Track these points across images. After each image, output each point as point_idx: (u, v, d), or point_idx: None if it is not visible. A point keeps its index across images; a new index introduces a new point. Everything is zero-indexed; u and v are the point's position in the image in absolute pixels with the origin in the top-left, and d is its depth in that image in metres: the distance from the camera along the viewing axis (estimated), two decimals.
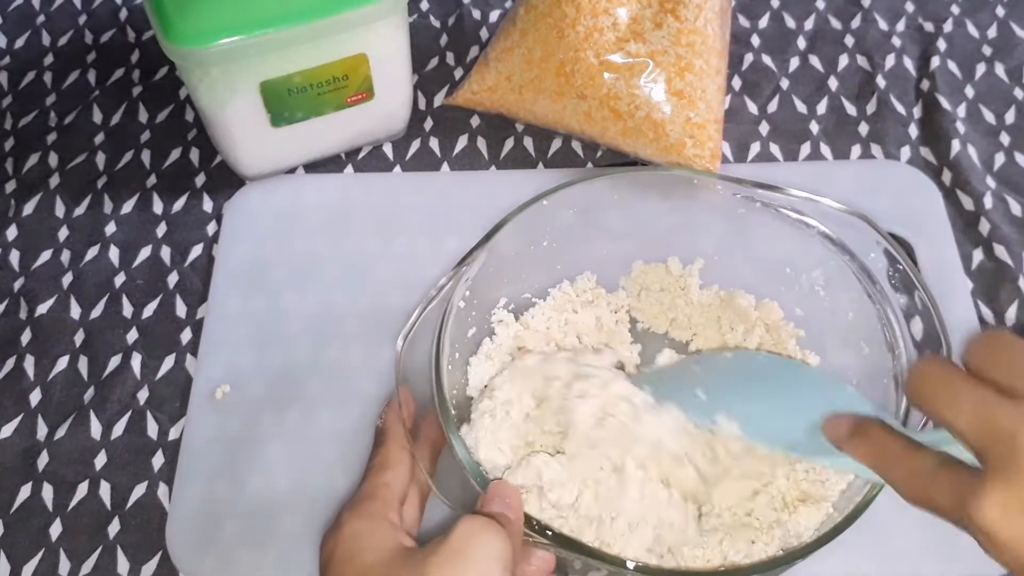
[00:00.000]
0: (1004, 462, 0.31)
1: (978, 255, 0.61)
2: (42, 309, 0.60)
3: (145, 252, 0.62)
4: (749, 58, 0.70)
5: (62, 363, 0.58)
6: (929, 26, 0.72)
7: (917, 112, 0.67)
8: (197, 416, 0.55)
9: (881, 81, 0.69)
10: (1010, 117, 0.67)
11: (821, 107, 0.68)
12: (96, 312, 0.60)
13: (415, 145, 0.66)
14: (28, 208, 0.64)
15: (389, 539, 0.41)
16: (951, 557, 0.50)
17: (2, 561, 0.51)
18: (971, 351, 0.33)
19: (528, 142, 0.66)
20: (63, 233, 0.63)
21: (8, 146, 0.67)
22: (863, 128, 0.67)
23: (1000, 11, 0.72)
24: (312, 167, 0.65)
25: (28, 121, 0.68)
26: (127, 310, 0.60)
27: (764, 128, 0.67)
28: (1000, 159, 0.65)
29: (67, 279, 0.61)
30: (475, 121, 0.67)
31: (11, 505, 0.53)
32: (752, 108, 0.68)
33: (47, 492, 0.53)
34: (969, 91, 0.68)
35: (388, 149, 0.66)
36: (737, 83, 0.69)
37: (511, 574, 0.39)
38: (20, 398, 0.56)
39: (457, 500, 0.44)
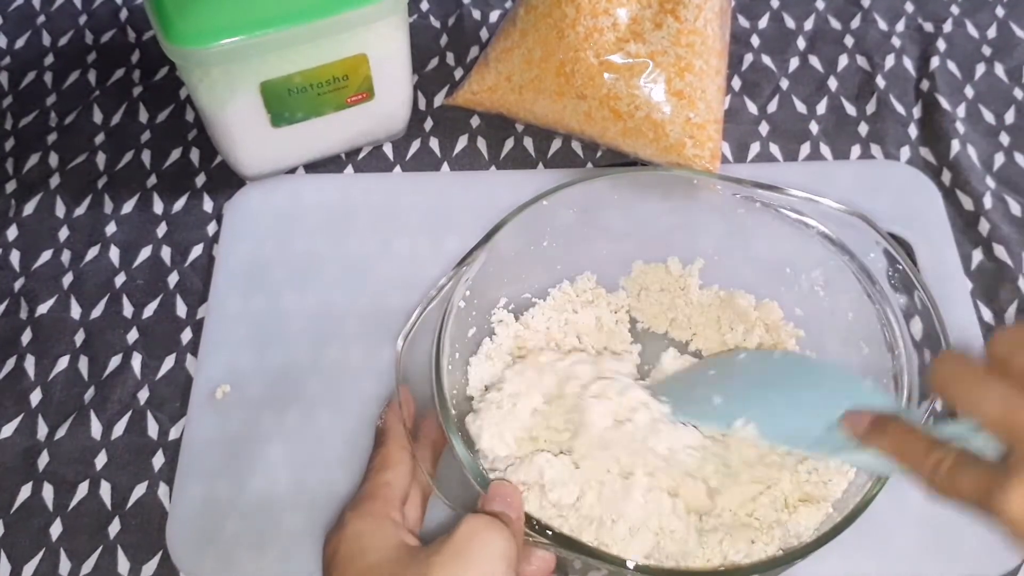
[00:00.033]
0: None
1: (978, 255, 0.61)
2: (42, 309, 0.60)
3: (145, 252, 0.62)
4: (749, 58, 0.70)
5: (62, 363, 0.58)
6: (929, 26, 0.72)
7: (917, 112, 0.67)
8: (197, 416, 0.55)
9: (881, 81, 0.69)
10: (1010, 117, 0.67)
11: (821, 107, 0.68)
12: (96, 312, 0.60)
13: (415, 145, 0.66)
14: (28, 208, 0.64)
15: (392, 538, 0.41)
16: (951, 557, 0.50)
17: (2, 561, 0.51)
18: (996, 344, 0.34)
19: (528, 142, 0.66)
20: (63, 233, 0.63)
21: (8, 146, 0.67)
22: (863, 128, 0.67)
23: (1000, 11, 0.72)
24: (312, 167, 0.65)
25: (28, 121, 0.68)
26: (127, 310, 0.60)
27: (764, 128, 0.67)
28: (1000, 159, 0.65)
29: (67, 279, 0.61)
30: (475, 121, 0.67)
31: (11, 505, 0.53)
32: (752, 108, 0.68)
33: (47, 492, 0.54)
34: (969, 91, 0.68)
35: (388, 149, 0.66)
36: (737, 83, 0.69)
37: (515, 573, 0.39)
38: (20, 398, 0.56)
39: (457, 499, 0.44)
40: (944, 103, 0.67)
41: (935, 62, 0.69)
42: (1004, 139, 0.66)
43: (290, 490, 0.52)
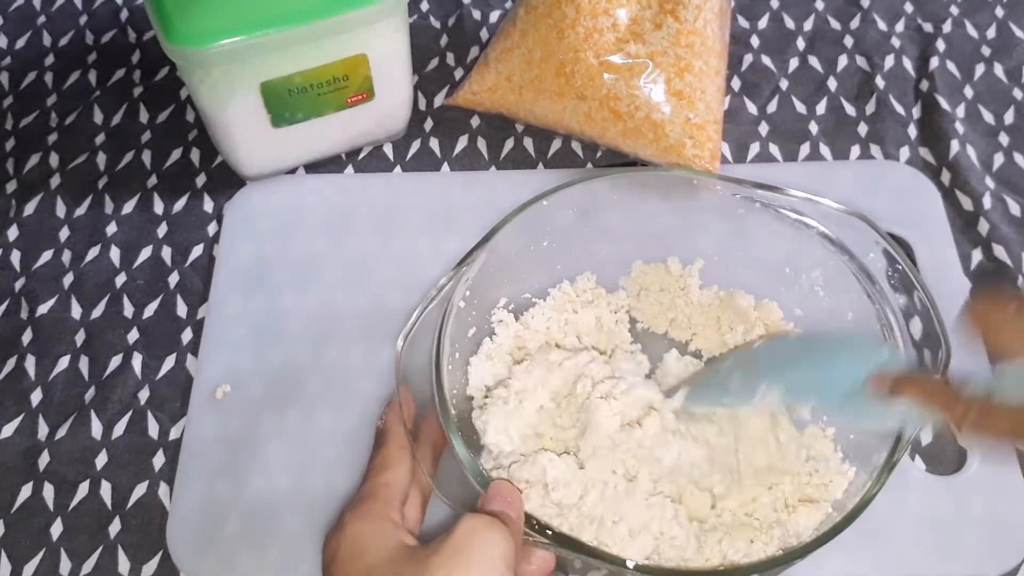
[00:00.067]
0: None
1: (977, 255, 0.61)
2: (43, 309, 0.60)
3: (146, 252, 0.62)
4: (748, 59, 0.70)
5: (63, 363, 0.58)
6: (928, 27, 0.72)
7: (916, 112, 0.67)
8: (198, 416, 0.55)
9: (880, 81, 0.69)
10: (1009, 117, 0.67)
11: (820, 107, 0.68)
12: (97, 312, 0.60)
13: (415, 145, 0.66)
14: (29, 208, 0.64)
15: (391, 538, 0.41)
16: (951, 557, 0.50)
17: (3, 561, 0.51)
18: None
19: (528, 142, 0.66)
20: (64, 233, 0.63)
21: (9, 146, 0.67)
22: (862, 128, 0.67)
23: (999, 11, 0.73)
24: (312, 167, 0.65)
25: (29, 121, 0.68)
26: (128, 310, 0.60)
27: (763, 128, 0.67)
28: (999, 159, 0.65)
29: (68, 279, 0.61)
30: (475, 121, 0.67)
31: (12, 505, 0.53)
32: (751, 108, 0.68)
33: (48, 492, 0.54)
34: (968, 91, 0.68)
35: (388, 149, 0.66)
36: (737, 84, 0.69)
37: (514, 572, 0.39)
38: (21, 398, 0.56)
39: (457, 499, 0.44)
40: (943, 103, 0.67)
41: (934, 62, 0.69)
42: (1003, 139, 0.66)
43: (290, 490, 0.52)
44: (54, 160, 0.66)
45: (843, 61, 0.70)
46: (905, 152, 0.65)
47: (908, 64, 0.70)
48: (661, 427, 0.49)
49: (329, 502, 0.51)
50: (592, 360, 0.52)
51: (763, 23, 0.72)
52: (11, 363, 0.58)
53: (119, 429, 0.55)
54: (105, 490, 0.54)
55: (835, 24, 0.72)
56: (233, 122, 0.58)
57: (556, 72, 0.59)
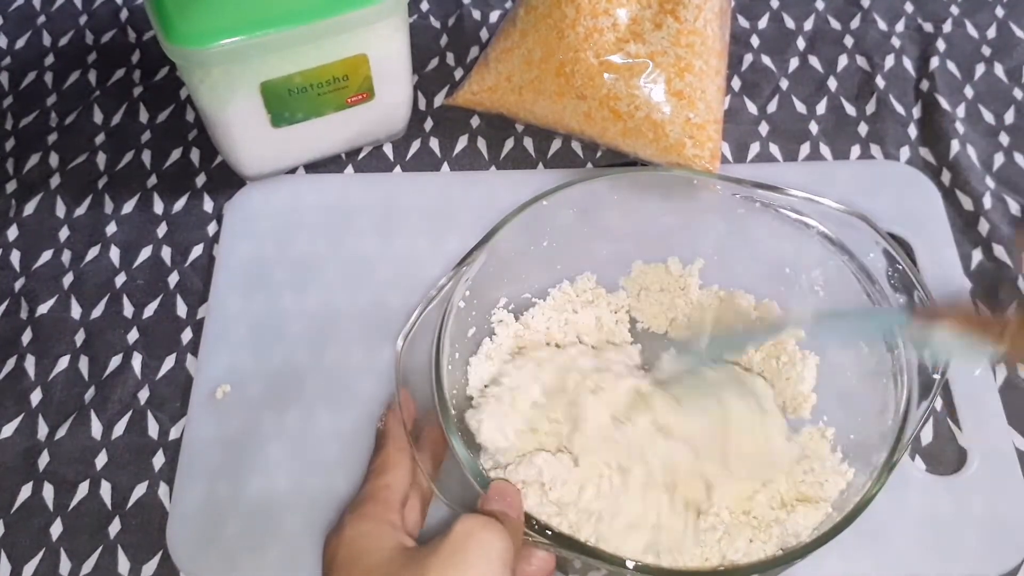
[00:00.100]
0: None
1: (977, 255, 0.61)
2: (43, 309, 0.60)
3: (146, 252, 0.62)
4: (749, 59, 0.70)
5: (63, 363, 0.58)
6: (928, 26, 0.72)
7: (916, 112, 0.67)
8: (198, 416, 0.55)
9: (880, 81, 0.69)
10: (1009, 117, 0.67)
11: (820, 107, 0.68)
12: (97, 312, 0.60)
13: (415, 145, 0.66)
14: (29, 208, 0.64)
15: (389, 540, 0.41)
16: (951, 557, 0.50)
17: (3, 561, 0.51)
18: None
19: (528, 142, 0.66)
20: (64, 233, 0.63)
21: (9, 146, 0.67)
22: (862, 128, 0.67)
23: (999, 11, 0.72)
24: (312, 167, 0.65)
25: (29, 121, 0.68)
26: (128, 310, 0.60)
27: (764, 128, 0.67)
28: (999, 159, 0.65)
29: (68, 279, 0.61)
30: (475, 121, 0.67)
31: (12, 505, 0.53)
32: (752, 108, 0.68)
33: (48, 492, 0.54)
34: (968, 91, 0.68)
35: (388, 149, 0.66)
36: (737, 83, 0.69)
37: (512, 572, 0.39)
38: (21, 398, 0.56)
39: (457, 500, 0.44)
40: (944, 103, 0.67)
41: (935, 62, 0.69)
42: (1004, 139, 0.66)
43: (290, 490, 0.52)
44: (54, 160, 0.66)
45: (843, 61, 0.70)
46: (905, 152, 0.65)
47: (908, 64, 0.70)
48: (650, 423, 0.49)
49: (329, 502, 0.51)
50: (580, 353, 0.52)
51: (763, 23, 0.72)
52: (11, 363, 0.58)
53: (119, 429, 0.55)
54: (105, 490, 0.54)
55: (835, 24, 0.72)
56: (233, 122, 0.58)
57: (556, 72, 0.59)
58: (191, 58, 0.53)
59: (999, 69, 0.70)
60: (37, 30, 0.73)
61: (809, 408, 0.52)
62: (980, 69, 0.69)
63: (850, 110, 0.68)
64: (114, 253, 0.62)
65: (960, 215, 0.62)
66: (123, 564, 0.51)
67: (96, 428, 0.55)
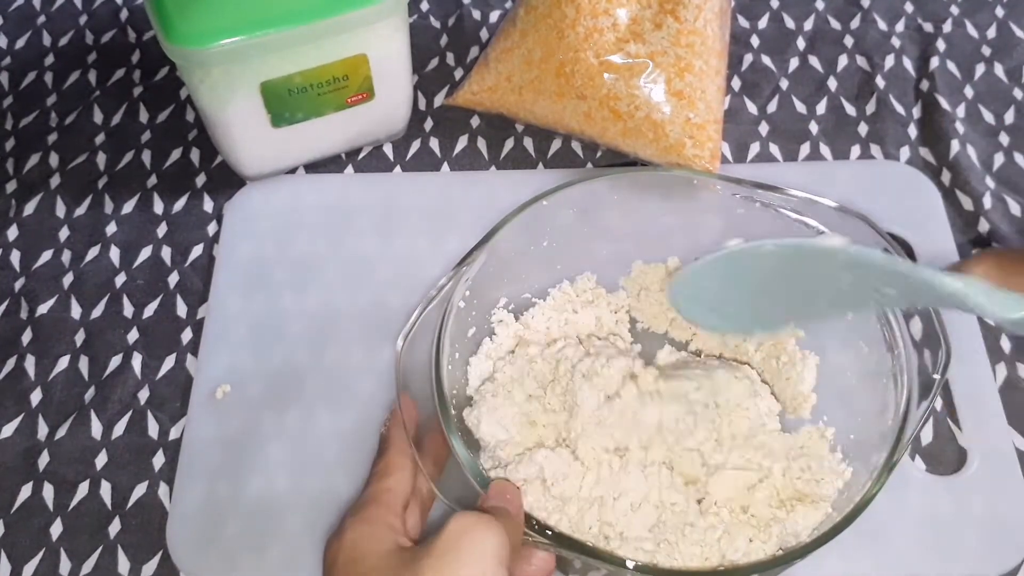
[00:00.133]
0: None
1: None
2: (43, 309, 0.60)
3: (146, 252, 0.62)
4: (749, 58, 0.70)
5: (63, 363, 0.58)
6: (928, 26, 0.72)
7: (916, 112, 0.67)
8: (198, 416, 0.55)
9: (880, 81, 0.69)
10: (1009, 117, 0.67)
11: (820, 107, 0.68)
12: (97, 312, 0.60)
13: (415, 145, 0.66)
14: (29, 208, 0.64)
15: (388, 542, 0.41)
16: (951, 557, 0.50)
17: (3, 561, 0.51)
18: None
19: (528, 142, 0.66)
20: (64, 233, 0.63)
21: (9, 146, 0.67)
22: (862, 128, 0.67)
23: (999, 11, 0.72)
24: (312, 167, 0.65)
25: (29, 121, 0.68)
26: (128, 310, 0.60)
27: (764, 128, 0.67)
28: (999, 159, 0.65)
29: (68, 279, 0.61)
30: (475, 121, 0.67)
31: (12, 505, 0.53)
32: (752, 108, 0.68)
33: (48, 492, 0.54)
34: (968, 91, 0.68)
35: (388, 149, 0.66)
36: (737, 83, 0.69)
37: (507, 569, 0.39)
38: (21, 398, 0.56)
39: (459, 500, 0.44)
40: (944, 103, 0.67)
41: (935, 62, 0.69)
42: (1004, 139, 0.66)
43: (290, 490, 0.52)
44: (54, 160, 0.66)
45: (843, 61, 0.70)
46: (905, 152, 0.65)
47: (908, 64, 0.70)
48: (638, 392, 0.50)
49: (329, 502, 0.51)
50: (566, 346, 0.53)
51: (763, 23, 0.72)
52: (11, 363, 0.58)
53: (119, 429, 0.55)
54: (105, 490, 0.54)
55: (835, 24, 0.72)
56: (233, 122, 0.58)
57: (556, 72, 0.59)
58: (191, 58, 0.53)
59: (999, 69, 0.70)
60: (37, 30, 0.73)
61: (809, 408, 0.52)
62: (980, 69, 0.69)
63: (850, 110, 0.68)
64: (114, 253, 0.62)
65: (960, 215, 0.62)
66: (123, 564, 0.51)
67: (96, 428, 0.55)
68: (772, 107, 0.68)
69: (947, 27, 0.71)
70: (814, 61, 0.70)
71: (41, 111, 0.69)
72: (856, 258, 0.42)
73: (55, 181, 0.65)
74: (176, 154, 0.66)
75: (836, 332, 0.53)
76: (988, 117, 0.67)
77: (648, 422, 0.49)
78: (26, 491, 0.54)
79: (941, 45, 0.70)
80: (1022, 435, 0.54)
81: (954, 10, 0.72)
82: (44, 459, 0.54)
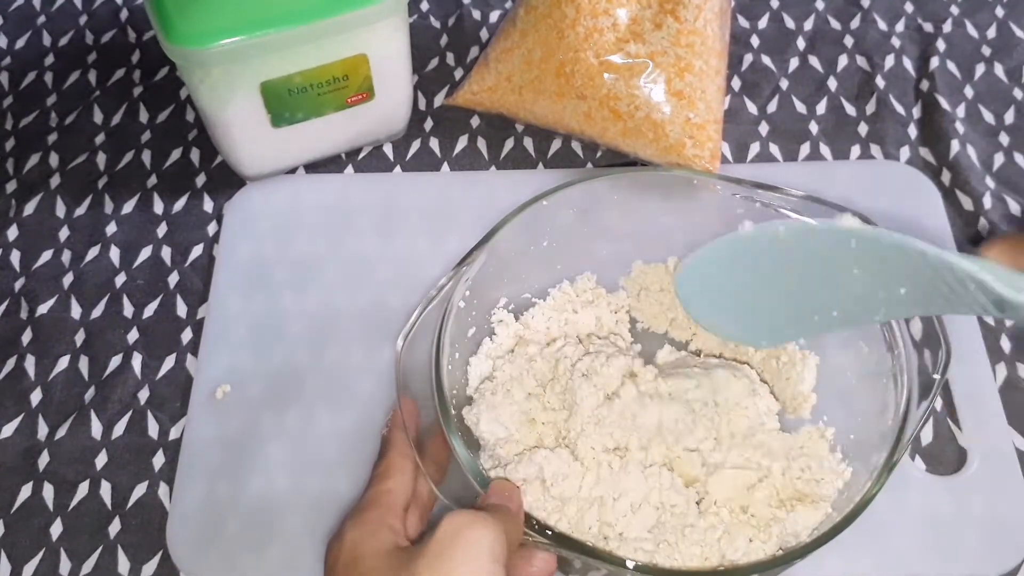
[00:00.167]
0: None
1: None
2: (43, 309, 0.60)
3: (146, 252, 0.62)
4: (749, 58, 0.70)
5: (63, 363, 0.58)
6: (928, 26, 0.72)
7: (916, 112, 0.67)
8: (198, 416, 0.55)
9: (880, 81, 0.69)
10: (1009, 117, 0.67)
11: (820, 107, 0.68)
12: (97, 312, 0.60)
13: (415, 145, 0.66)
14: (29, 208, 0.64)
15: (386, 544, 0.41)
16: (951, 557, 0.50)
17: (3, 561, 0.51)
18: None
19: (528, 142, 0.66)
20: (64, 233, 0.63)
21: (9, 146, 0.67)
22: (862, 128, 0.67)
23: (999, 11, 0.72)
24: (312, 167, 0.65)
25: (29, 121, 0.68)
26: (128, 310, 0.60)
27: (764, 128, 0.67)
28: (999, 159, 0.65)
29: (68, 279, 0.61)
30: (475, 121, 0.67)
31: (12, 505, 0.53)
32: (752, 108, 0.68)
33: (48, 492, 0.54)
34: (968, 91, 0.68)
35: (388, 149, 0.66)
36: (737, 83, 0.69)
37: (503, 566, 0.39)
38: (21, 398, 0.56)
39: (459, 500, 0.44)
40: (944, 103, 0.67)
41: (935, 62, 0.69)
42: (1004, 139, 0.66)
43: (290, 490, 0.52)
44: (54, 160, 0.66)
45: (843, 61, 0.70)
46: (905, 152, 0.65)
47: (908, 64, 0.70)
48: (637, 393, 0.50)
49: (329, 502, 0.51)
50: (565, 344, 0.53)
51: (763, 23, 0.72)
52: (11, 363, 0.58)
53: (119, 429, 0.55)
54: (105, 490, 0.54)
55: (835, 24, 0.72)
56: (233, 122, 0.58)
57: (556, 72, 0.59)
58: (191, 58, 0.53)
59: (999, 69, 0.70)
60: (37, 30, 0.73)
61: (809, 408, 0.52)
62: (980, 69, 0.69)
63: (850, 110, 0.68)
64: (114, 253, 0.62)
65: (960, 215, 0.62)
66: (123, 564, 0.51)
67: (96, 428, 0.55)
68: (772, 107, 0.68)
69: (947, 27, 0.71)
70: (814, 61, 0.70)
71: (41, 111, 0.69)
72: (870, 239, 0.40)
73: (55, 181, 0.65)
74: (176, 154, 0.66)
75: (836, 332, 0.53)
76: (988, 117, 0.67)
77: (647, 421, 0.49)
78: (26, 491, 0.54)
79: (941, 45, 0.70)
80: (1022, 435, 0.54)
81: (954, 10, 0.72)
82: (44, 459, 0.54)
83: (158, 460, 0.54)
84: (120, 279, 0.61)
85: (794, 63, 0.70)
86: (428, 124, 0.67)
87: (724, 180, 0.55)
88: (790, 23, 0.72)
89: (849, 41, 0.71)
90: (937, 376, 0.47)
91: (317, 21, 0.53)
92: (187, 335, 0.59)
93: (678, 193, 0.56)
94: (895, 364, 0.48)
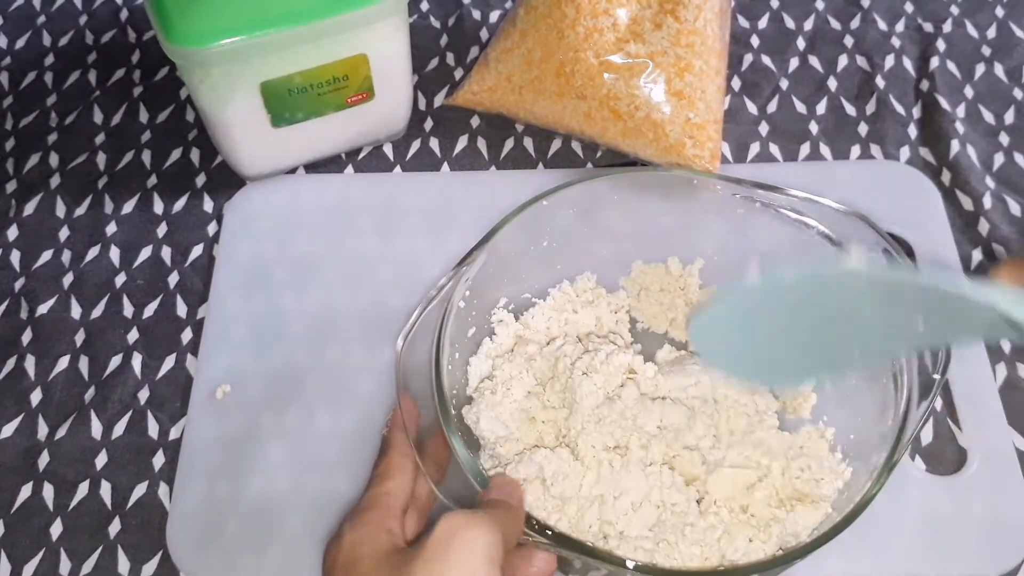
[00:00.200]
0: None
1: (977, 255, 0.61)
2: (43, 309, 0.60)
3: (146, 252, 0.62)
4: (749, 58, 0.70)
5: (63, 363, 0.58)
6: (928, 26, 0.72)
7: (916, 112, 0.67)
8: (198, 416, 0.55)
9: (880, 81, 0.69)
10: (1009, 117, 0.67)
11: (820, 107, 0.68)
12: (97, 312, 0.60)
13: (415, 145, 0.66)
14: (29, 208, 0.64)
15: (384, 546, 0.41)
16: (951, 557, 0.50)
17: (3, 561, 0.51)
18: None
19: (528, 142, 0.66)
20: (64, 233, 0.63)
21: (9, 146, 0.67)
22: (862, 128, 0.67)
23: (999, 11, 0.72)
24: (312, 167, 0.65)
25: (29, 121, 0.68)
26: (128, 310, 0.60)
27: (764, 128, 0.67)
28: (999, 159, 0.65)
29: (68, 279, 0.61)
30: (475, 121, 0.67)
31: (12, 505, 0.53)
32: (752, 108, 0.68)
33: (48, 492, 0.54)
34: (968, 91, 0.68)
35: (388, 149, 0.66)
36: (737, 83, 0.69)
37: (499, 567, 0.39)
38: (21, 398, 0.56)
39: (459, 500, 0.44)
40: (944, 103, 0.67)
41: (935, 62, 0.69)
42: (1004, 139, 0.66)
43: (290, 490, 0.52)
44: (54, 160, 0.66)
45: (843, 61, 0.70)
46: (905, 152, 0.65)
47: (908, 64, 0.70)
48: (638, 394, 0.50)
49: (329, 503, 0.51)
50: (565, 343, 0.53)
51: (763, 23, 0.72)
52: (11, 363, 0.58)
53: (119, 429, 0.55)
54: (105, 490, 0.54)
55: (835, 24, 0.72)
56: (233, 122, 0.58)
57: (556, 72, 0.59)
58: (191, 58, 0.53)
59: (999, 69, 0.70)
60: (37, 30, 0.73)
61: (809, 408, 0.52)
62: (980, 69, 0.69)
63: (850, 110, 0.68)
64: (114, 253, 0.62)
65: (960, 215, 0.62)
66: (123, 564, 0.51)
67: (96, 428, 0.55)
68: (772, 107, 0.68)
69: (947, 27, 0.71)
70: (814, 61, 0.70)
71: (41, 111, 0.69)
72: (880, 281, 0.40)
73: (55, 181, 0.65)
74: (176, 154, 0.66)
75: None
76: (988, 117, 0.67)
77: (648, 420, 0.49)
78: (26, 491, 0.54)
79: (941, 45, 0.70)
80: (1022, 435, 0.54)
81: (954, 10, 0.72)
82: (44, 459, 0.54)
83: (158, 460, 0.54)
84: (120, 279, 0.61)
85: (794, 63, 0.70)
86: (428, 124, 0.67)
87: (724, 180, 0.55)
88: (790, 23, 0.72)
89: (849, 41, 0.71)
90: (937, 376, 0.47)
91: (317, 21, 0.53)
92: (187, 335, 0.59)
93: (678, 193, 0.56)
94: (895, 364, 0.48)
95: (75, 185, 0.65)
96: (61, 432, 0.55)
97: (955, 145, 0.65)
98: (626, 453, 0.49)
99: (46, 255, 0.62)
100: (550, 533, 0.43)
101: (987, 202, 0.63)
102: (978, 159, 0.65)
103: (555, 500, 0.47)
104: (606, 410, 0.49)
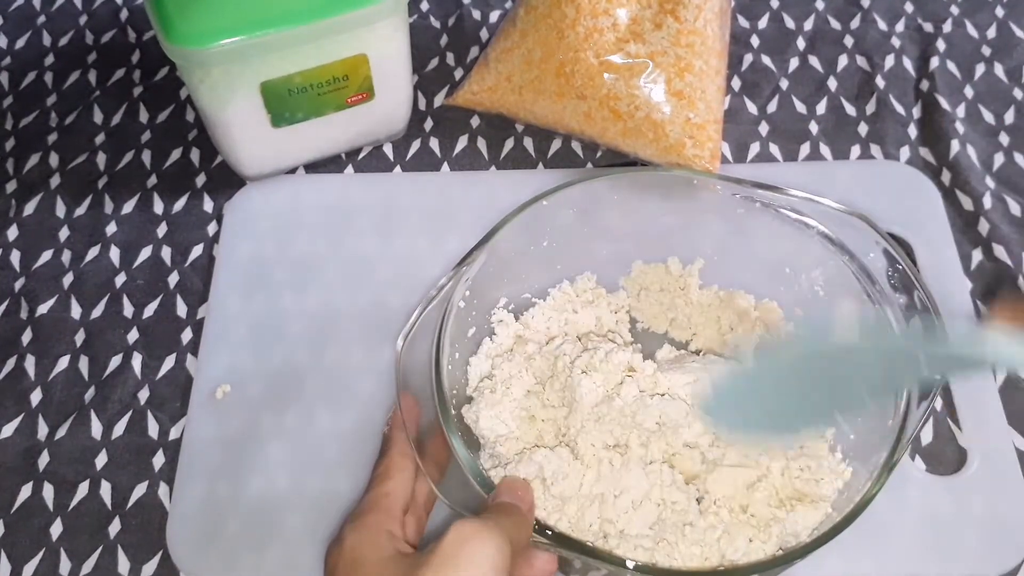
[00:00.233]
0: None
1: (977, 255, 0.61)
2: (43, 309, 0.60)
3: (146, 252, 0.62)
4: (749, 58, 0.70)
5: (63, 363, 0.58)
6: (928, 26, 0.72)
7: (916, 112, 0.67)
8: (198, 416, 0.55)
9: (880, 81, 0.69)
10: (1009, 117, 0.67)
11: (820, 107, 0.68)
12: (97, 312, 0.60)
13: (415, 145, 0.66)
14: (29, 208, 0.64)
15: (386, 549, 0.41)
16: (951, 557, 0.50)
17: (3, 561, 0.51)
18: None
19: (528, 142, 0.66)
20: (64, 233, 0.63)
21: (9, 146, 0.67)
22: (862, 128, 0.67)
23: (999, 11, 0.72)
24: (312, 167, 0.65)
25: (29, 121, 0.68)
26: (128, 310, 0.60)
27: (764, 128, 0.67)
28: (999, 159, 0.65)
29: (68, 279, 0.61)
30: (475, 121, 0.67)
31: (12, 505, 0.53)
32: (752, 108, 0.68)
33: (48, 492, 0.54)
34: (968, 91, 0.68)
35: (388, 149, 0.66)
36: (737, 83, 0.69)
37: (507, 574, 0.39)
38: (21, 398, 0.56)
39: (459, 502, 0.44)
40: (944, 103, 0.67)
41: (935, 62, 0.69)
42: (1004, 139, 0.66)
43: (290, 490, 0.52)
44: (54, 160, 0.66)
45: (843, 61, 0.70)
46: (905, 152, 0.65)
47: (908, 64, 0.70)
48: (638, 391, 0.50)
49: (329, 503, 0.51)
50: (564, 342, 0.53)
51: (763, 23, 0.72)
52: (11, 363, 0.58)
53: (119, 429, 0.55)
54: (105, 490, 0.54)
55: (835, 24, 0.72)
56: (233, 122, 0.58)
57: (556, 72, 0.59)
58: (191, 58, 0.53)
59: (999, 69, 0.70)
60: (37, 30, 0.73)
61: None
62: (980, 69, 0.69)
63: (850, 110, 0.68)
64: (114, 253, 0.62)
65: (960, 215, 0.62)
66: (123, 564, 0.51)
67: (96, 428, 0.55)
68: (772, 107, 0.68)
69: (947, 27, 0.71)
70: (814, 61, 0.70)
71: (41, 111, 0.69)
72: (872, 349, 0.43)
73: (55, 181, 0.65)
74: (176, 154, 0.66)
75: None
76: (988, 117, 0.67)
77: (647, 418, 0.49)
78: (26, 491, 0.54)
79: (941, 45, 0.70)
80: (1022, 435, 0.54)
81: (954, 10, 0.72)
82: (44, 459, 0.54)
83: (158, 460, 0.54)
84: (120, 279, 0.61)
85: (794, 63, 0.70)
86: (428, 124, 0.67)
87: (724, 180, 0.55)
88: (790, 23, 0.72)
89: (849, 41, 0.71)
90: (937, 376, 0.47)
91: (317, 21, 0.53)
92: (187, 335, 0.59)
93: (678, 193, 0.56)
94: None
95: (75, 185, 0.65)
96: (61, 432, 0.55)
97: (955, 145, 0.65)
98: (626, 451, 0.49)
99: (46, 255, 0.62)
100: (550, 533, 0.43)
101: (987, 202, 0.63)
102: (978, 159, 0.65)
103: (555, 500, 0.47)
104: (605, 408, 0.49)
